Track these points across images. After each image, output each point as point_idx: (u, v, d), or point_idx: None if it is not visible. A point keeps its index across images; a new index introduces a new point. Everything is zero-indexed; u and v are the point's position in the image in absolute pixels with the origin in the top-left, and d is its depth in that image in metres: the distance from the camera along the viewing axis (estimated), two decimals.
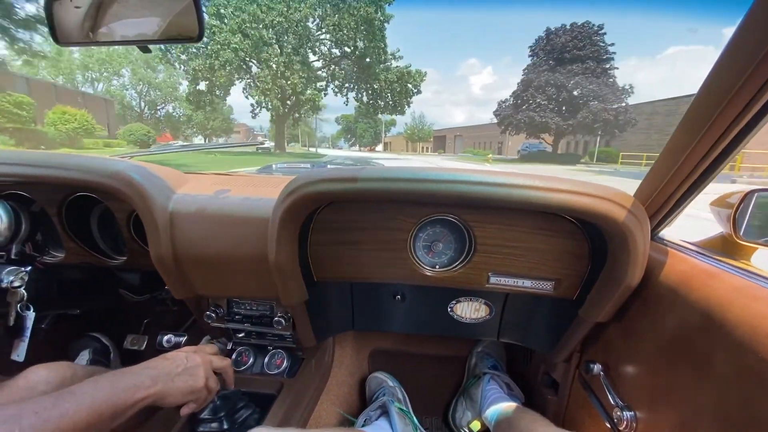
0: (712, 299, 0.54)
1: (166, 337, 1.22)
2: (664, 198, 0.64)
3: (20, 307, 0.81)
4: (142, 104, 48.76)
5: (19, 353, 0.88)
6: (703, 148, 0.53)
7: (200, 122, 49.88)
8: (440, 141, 73.55)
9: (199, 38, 0.54)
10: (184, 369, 0.67)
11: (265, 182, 0.96)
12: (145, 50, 0.59)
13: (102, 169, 0.75)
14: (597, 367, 0.79)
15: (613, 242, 0.65)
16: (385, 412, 1.03)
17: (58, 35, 0.64)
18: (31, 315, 0.83)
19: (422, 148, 76.03)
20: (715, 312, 0.53)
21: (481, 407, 1.06)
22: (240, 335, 1.03)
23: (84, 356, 1.24)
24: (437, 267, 0.86)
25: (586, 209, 0.60)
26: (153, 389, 0.60)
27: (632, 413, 0.68)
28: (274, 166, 1.58)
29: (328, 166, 1.60)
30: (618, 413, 0.70)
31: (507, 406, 0.98)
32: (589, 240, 0.76)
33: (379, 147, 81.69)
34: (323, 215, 0.80)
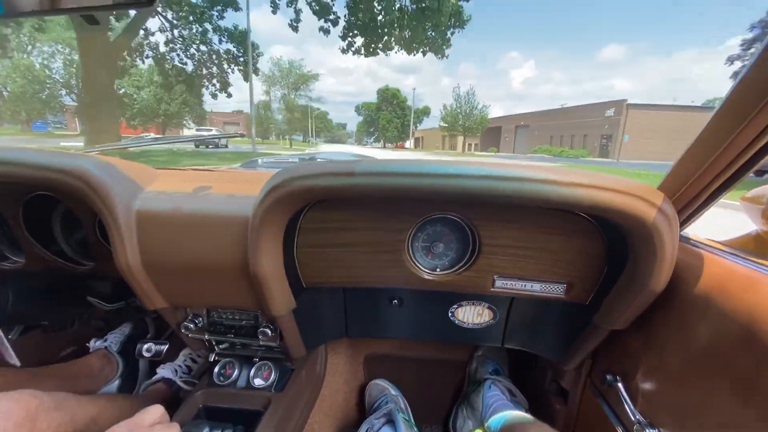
0: (756, 308, 0.47)
1: (146, 346, 1.14)
2: (694, 193, 0.57)
3: None
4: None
5: (11, 358, 0.81)
6: (745, 140, 0.46)
7: (148, 105, 31.55)
8: (492, 135, 50.95)
9: (152, 2, 0.45)
10: None
11: (249, 178, 0.87)
12: (91, 21, 0.50)
13: (55, 165, 0.65)
14: (614, 378, 0.73)
15: (636, 242, 0.58)
16: (390, 421, 0.97)
17: (3, 6, 0.55)
18: None
19: (466, 144, 54.02)
20: (760, 323, 0.46)
21: (483, 415, 1.00)
22: (223, 346, 0.94)
23: (127, 327, 1.25)
24: (438, 270, 0.78)
25: (609, 206, 0.53)
26: None
27: (656, 431, 0.62)
28: (259, 160, 1.48)
29: (318, 159, 1.50)
30: (638, 430, 0.63)
31: (512, 415, 0.91)
32: (606, 239, 0.68)
33: (409, 143, 68.01)
34: (311, 214, 0.72)
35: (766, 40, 0.40)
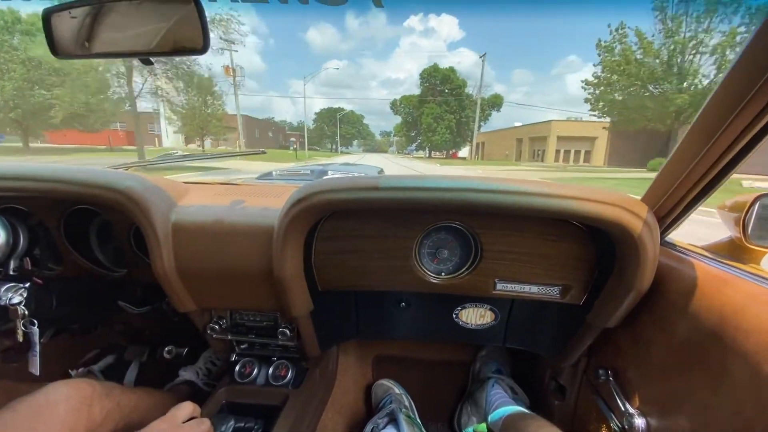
0: (726, 306, 0.54)
1: (167, 348, 1.21)
2: (674, 202, 0.64)
3: (24, 323, 0.79)
4: None
5: (34, 367, 0.88)
6: (717, 151, 0.52)
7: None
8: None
9: (205, 50, 0.53)
10: None
11: (268, 192, 0.95)
12: (147, 62, 0.58)
13: (101, 182, 0.73)
14: (606, 373, 0.79)
15: (622, 248, 0.65)
16: (393, 420, 1.02)
17: (56, 47, 0.63)
18: (35, 330, 0.82)
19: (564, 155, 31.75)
20: (729, 319, 0.52)
21: (487, 412, 1.05)
22: (243, 346, 1.01)
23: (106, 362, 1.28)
24: (443, 274, 0.85)
25: (595, 215, 0.60)
26: None
27: (644, 420, 0.68)
28: (274, 173, 1.56)
29: (329, 172, 1.57)
30: (630, 420, 0.69)
31: (513, 411, 0.97)
32: (597, 245, 0.75)
33: (464, 152, 50.98)
34: (327, 224, 0.79)
35: (735, 57, 0.46)
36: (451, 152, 52.24)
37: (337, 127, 67.43)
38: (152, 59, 0.57)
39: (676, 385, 0.61)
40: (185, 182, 0.97)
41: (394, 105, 58.77)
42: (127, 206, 0.73)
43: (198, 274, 0.80)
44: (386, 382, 1.26)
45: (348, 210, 0.77)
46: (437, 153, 54.32)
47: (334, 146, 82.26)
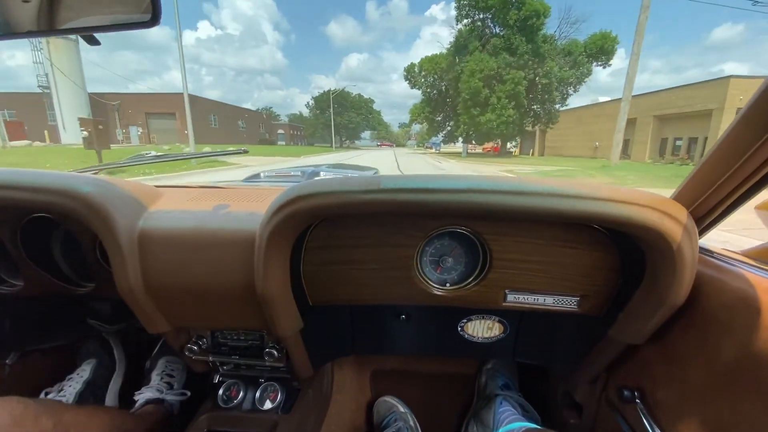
0: None
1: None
2: (713, 203, 0.56)
3: None
4: None
5: None
6: None
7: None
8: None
9: (155, 21, 0.44)
10: None
11: (256, 195, 0.85)
12: (92, 42, 0.48)
13: (53, 186, 0.63)
14: (632, 393, 0.70)
15: (654, 256, 0.56)
16: None
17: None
18: None
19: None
20: None
21: (495, 431, 0.97)
22: (226, 367, 0.91)
23: (88, 366, 1.10)
24: (447, 285, 0.76)
25: (626, 219, 0.51)
26: None
27: None
28: (261, 174, 1.46)
29: (321, 174, 1.47)
30: None
31: (526, 426, 0.89)
32: (621, 251, 0.67)
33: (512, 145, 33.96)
34: (317, 232, 0.70)
35: None
36: (492, 146, 34.53)
37: (331, 111, 52.41)
38: (97, 36, 0.47)
39: (720, 413, 0.53)
40: (158, 186, 0.87)
41: (410, 73, 34.00)
42: (83, 214, 0.63)
43: (171, 290, 0.70)
44: (390, 399, 1.18)
45: (340, 216, 0.68)
46: (482, 147, 36.62)
47: (344, 139, 72.74)
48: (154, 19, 0.44)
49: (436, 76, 33.27)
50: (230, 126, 44.92)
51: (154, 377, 1.05)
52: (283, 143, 54.49)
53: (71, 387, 1.03)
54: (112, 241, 0.64)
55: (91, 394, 1.06)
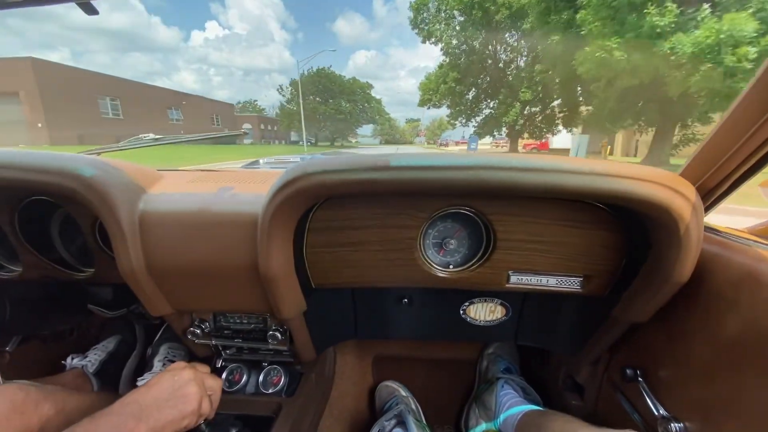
0: None
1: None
2: (719, 179, 0.56)
3: None
4: None
5: None
6: None
7: None
8: None
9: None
10: (172, 393, 0.60)
11: (259, 177, 0.84)
12: (90, 11, 0.46)
13: (53, 167, 0.62)
14: (635, 372, 0.71)
15: (660, 232, 0.56)
16: (401, 422, 0.95)
17: None
18: None
19: None
20: None
21: (497, 413, 0.98)
22: (230, 351, 0.91)
23: (114, 340, 1.17)
24: (451, 267, 0.76)
25: (633, 195, 0.51)
26: (137, 430, 0.52)
27: (681, 425, 0.60)
28: (261, 161, 1.44)
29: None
30: (664, 425, 0.61)
31: (529, 408, 0.90)
32: (625, 229, 0.67)
33: (558, 140, 30.96)
34: (320, 213, 0.69)
35: None
36: (536, 142, 28.34)
37: (299, 96, 33.79)
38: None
39: (724, 389, 0.54)
40: (158, 169, 0.86)
41: (419, 12, 22.60)
42: (83, 195, 0.62)
43: (174, 272, 0.70)
44: (391, 384, 1.19)
45: (345, 196, 0.67)
46: (526, 145, 28.47)
47: (335, 136, 54.31)
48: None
49: (462, 41, 17.86)
50: (151, 116, 29.23)
51: (156, 363, 1.06)
52: (250, 141, 42.33)
53: (96, 355, 1.08)
54: (113, 222, 0.64)
55: (113, 365, 1.12)
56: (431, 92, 25.32)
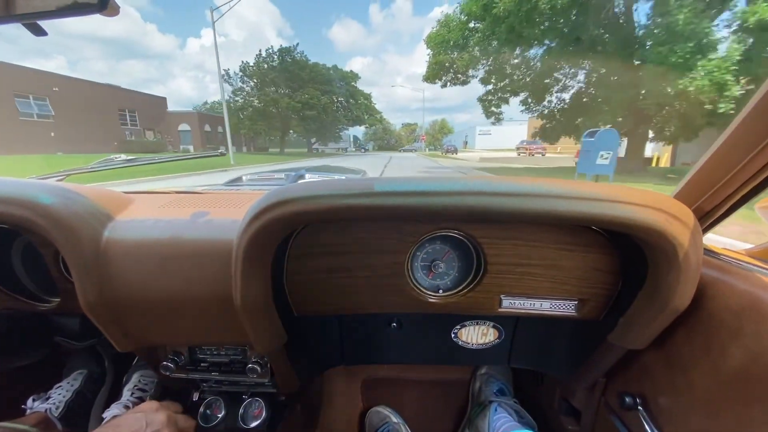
0: None
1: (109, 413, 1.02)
2: (717, 201, 0.54)
3: None
4: None
5: None
6: None
7: None
8: None
9: (103, 5, 0.38)
10: None
11: (238, 200, 0.80)
12: (37, 32, 0.42)
13: (8, 195, 0.57)
14: (634, 400, 0.68)
15: (657, 258, 0.54)
16: None
17: None
18: None
19: None
20: None
21: None
22: (206, 384, 0.86)
23: (79, 376, 1.06)
24: (440, 291, 0.72)
25: (629, 221, 0.48)
26: None
27: None
28: (243, 178, 1.39)
29: (307, 176, 1.39)
30: None
31: None
32: (621, 253, 0.64)
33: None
34: (300, 239, 0.65)
35: None
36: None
37: (220, 87, 18.06)
38: (41, 24, 0.41)
39: (729, 421, 0.51)
40: (128, 192, 0.81)
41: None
42: (42, 226, 0.57)
43: (143, 305, 0.65)
44: (382, 410, 1.14)
45: (325, 222, 0.63)
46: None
47: (314, 142, 44.97)
48: (102, 4, 0.38)
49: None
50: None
51: (125, 393, 0.98)
52: (189, 148, 31.64)
53: (60, 395, 0.99)
54: (73, 253, 0.58)
55: (81, 405, 1.02)
56: (445, 49, 14.94)
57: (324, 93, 37.06)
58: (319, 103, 35.66)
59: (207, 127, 35.90)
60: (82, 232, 0.59)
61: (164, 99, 32.94)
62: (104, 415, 0.93)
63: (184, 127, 33.96)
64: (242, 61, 37.70)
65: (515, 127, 57.04)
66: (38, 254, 0.75)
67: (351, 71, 43.07)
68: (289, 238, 0.64)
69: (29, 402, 0.95)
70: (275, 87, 36.09)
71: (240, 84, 37.09)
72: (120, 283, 0.62)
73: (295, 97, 35.15)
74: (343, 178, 0.55)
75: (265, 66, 35.97)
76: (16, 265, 0.81)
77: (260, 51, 35.78)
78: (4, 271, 0.79)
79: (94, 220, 0.62)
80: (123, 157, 0.96)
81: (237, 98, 36.95)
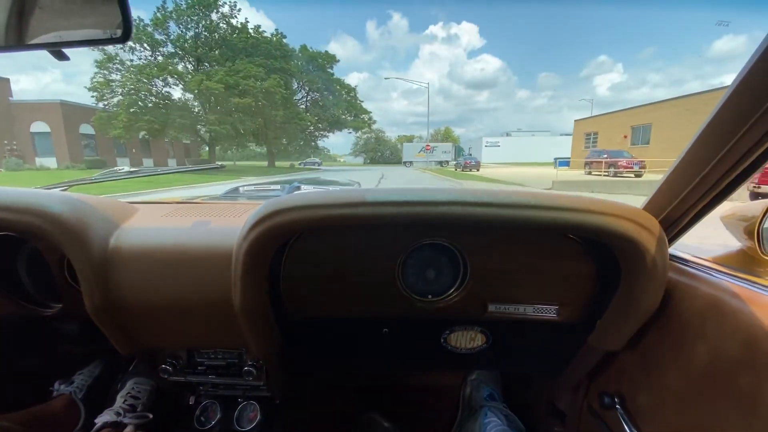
0: (753, 327, 0.47)
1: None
2: (681, 212, 0.58)
3: None
4: None
5: None
6: (734, 157, 0.47)
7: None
8: None
9: (126, 38, 0.43)
10: None
11: (237, 210, 0.84)
12: (61, 57, 0.47)
13: (19, 204, 0.60)
14: (613, 400, 0.72)
15: (628, 263, 0.58)
16: None
17: None
18: None
19: None
20: (761, 342, 0.46)
21: None
22: (203, 387, 0.88)
23: (94, 369, 1.13)
24: (430, 296, 0.76)
25: (600, 229, 0.53)
26: None
27: None
28: (240, 189, 1.43)
29: (302, 187, 1.44)
30: None
31: None
32: (595, 260, 0.69)
33: None
34: (296, 246, 0.69)
35: (755, 51, 0.40)
36: None
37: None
38: (65, 51, 0.46)
39: (697, 416, 0.54)
40: (133, 202, 0.85)
41: None
42: (52, 233, 0.61)
43: (146, 309, 0.68)
44: (374, 416, 1.15)
45: (320, 230, 0.67)
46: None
47: (275, 152, 31.30)
48: (125, 36, 0.43)
49: None
50: None
51: (118, 399, 1.01)
52: (51, 162, 20.90)
53: (82, 380, 1.07)
54: (81, 260, 0.62)
55: (100, 389, 1.10)
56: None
57: (271, 71, 22.13)
58: (256, 88, 20.69)
59: (85, 128, 22.53)
60: (89, 238, 0.63)
61: (5, 81, 20.83)
62: (96, 421, 0.95)
63: (39, 127, 21.37)
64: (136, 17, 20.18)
65: (527, 138, 52.80)
66: (42, 261, 0.79)
67: (326, 51, 30.27)
68: (285, 245, 0.68)
69: (56, 385, 1.02)
70: (180, 59, 21.76)
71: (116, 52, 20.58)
72: (125, 288, 0.66)
73: (213, 75, 20.29)
74: (338, 189, 0.59)
75: (169, 25, 21.36)
76: (21, 272, 0.84)
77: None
78: (9, 278, 0.82)
79: (101, 227, 0.66)
80: (126, 169, 1.00)
81: (111, 75, 21.05)
